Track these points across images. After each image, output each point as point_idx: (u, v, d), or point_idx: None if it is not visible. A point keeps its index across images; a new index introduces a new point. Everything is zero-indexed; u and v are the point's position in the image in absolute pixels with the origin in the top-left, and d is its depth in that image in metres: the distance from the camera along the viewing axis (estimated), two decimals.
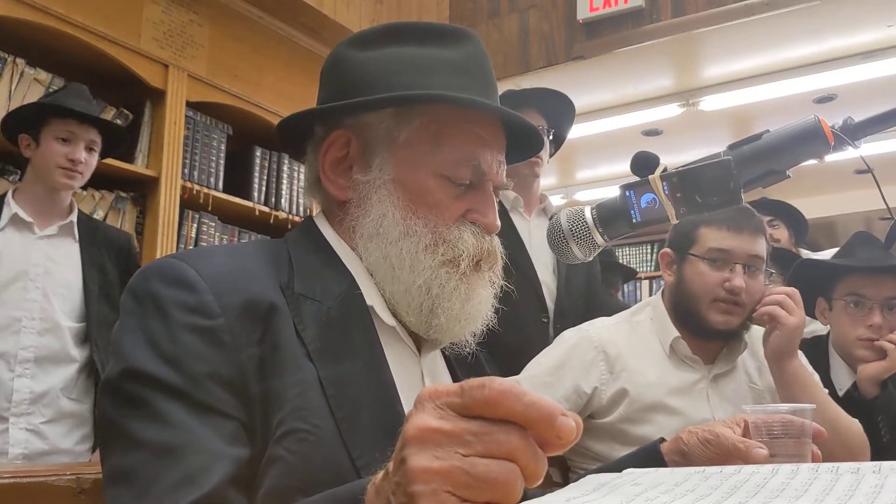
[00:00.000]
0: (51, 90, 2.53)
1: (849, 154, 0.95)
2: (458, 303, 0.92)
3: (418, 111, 0.93)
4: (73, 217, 2.34)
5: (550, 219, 1.04)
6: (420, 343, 0.97)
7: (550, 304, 2.36)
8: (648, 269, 6.38)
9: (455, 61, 0.96)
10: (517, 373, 1.67)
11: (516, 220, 2.42)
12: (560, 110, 2.51)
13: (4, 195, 2.27)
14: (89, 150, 2.30)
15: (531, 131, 1.02)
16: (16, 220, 2.23)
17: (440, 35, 0.98)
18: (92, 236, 2.37)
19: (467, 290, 0.92)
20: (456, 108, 0.94)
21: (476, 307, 0.94)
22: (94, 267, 2.33)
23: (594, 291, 2.48)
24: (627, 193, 0.97)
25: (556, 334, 2.30)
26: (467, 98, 0.93)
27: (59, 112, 2.23)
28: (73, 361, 2.27)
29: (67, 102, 2.26)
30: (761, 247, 1.63)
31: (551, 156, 2.59)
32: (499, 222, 0.97)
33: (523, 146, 1.05)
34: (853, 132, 0.92)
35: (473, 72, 0.97)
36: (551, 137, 2.49)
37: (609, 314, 1.82)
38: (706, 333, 1.64)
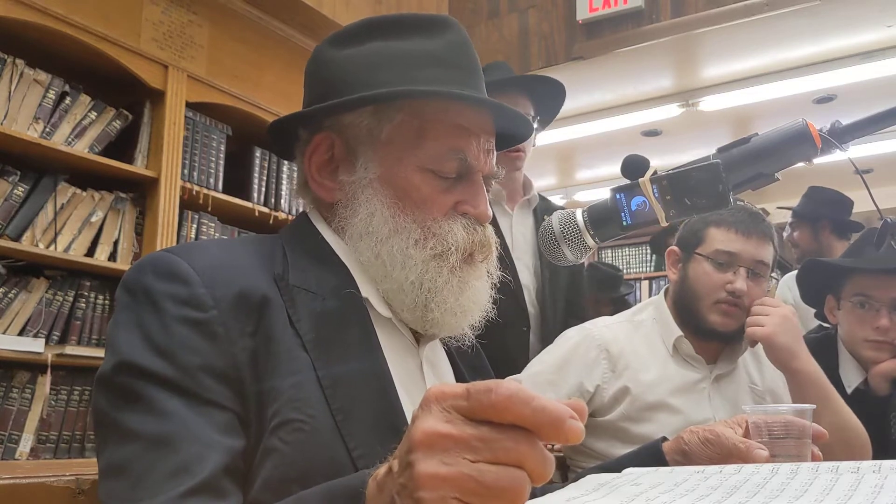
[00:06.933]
0: (49, 91, 2.53)
1: (850, 155, 0.95)
2: (452, 296, 0.91)
3: (398, 107, 0.93)
4: None
5: (542, 220, 1.04)
6: (418, 334, 0.97)
7: (531, 309, 2.24)
8: (648, 269, 6.37)
9: (436, 52, 0.94)
10: (499, 378, 1.65)
11: (498, 214, 2.29)
12: (549, 95, 2.36)
13: None
14: None
15: (518, 118, 1.00)
16: None
17: (419, 26, 0.96)
18: None
19: (460, 282, 0.92)
20: (437, 101, 0.93)
21: (471, 299, 0.93)
22: None
23: (577, 297, 2.35)
24: (618, 196, 0.98)
25: (536, 340, 2.22)
26: (445, 91, 0.92)
27: None
28: None
29: None
30: (768, 253, 1.62)
31: (536, 133, 2.40)
32: (490, 211, 0.96)
33: (511, 132, 1.03)
34: (841, 135, 0.93)
35: (455, 61, 0.96)
36: (536, 125, 2.32)
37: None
38: (705, 333, 1.64)
